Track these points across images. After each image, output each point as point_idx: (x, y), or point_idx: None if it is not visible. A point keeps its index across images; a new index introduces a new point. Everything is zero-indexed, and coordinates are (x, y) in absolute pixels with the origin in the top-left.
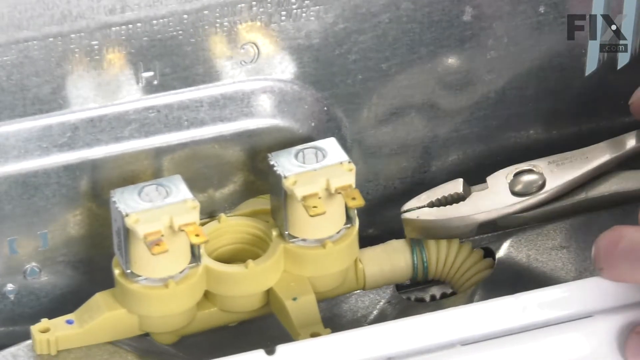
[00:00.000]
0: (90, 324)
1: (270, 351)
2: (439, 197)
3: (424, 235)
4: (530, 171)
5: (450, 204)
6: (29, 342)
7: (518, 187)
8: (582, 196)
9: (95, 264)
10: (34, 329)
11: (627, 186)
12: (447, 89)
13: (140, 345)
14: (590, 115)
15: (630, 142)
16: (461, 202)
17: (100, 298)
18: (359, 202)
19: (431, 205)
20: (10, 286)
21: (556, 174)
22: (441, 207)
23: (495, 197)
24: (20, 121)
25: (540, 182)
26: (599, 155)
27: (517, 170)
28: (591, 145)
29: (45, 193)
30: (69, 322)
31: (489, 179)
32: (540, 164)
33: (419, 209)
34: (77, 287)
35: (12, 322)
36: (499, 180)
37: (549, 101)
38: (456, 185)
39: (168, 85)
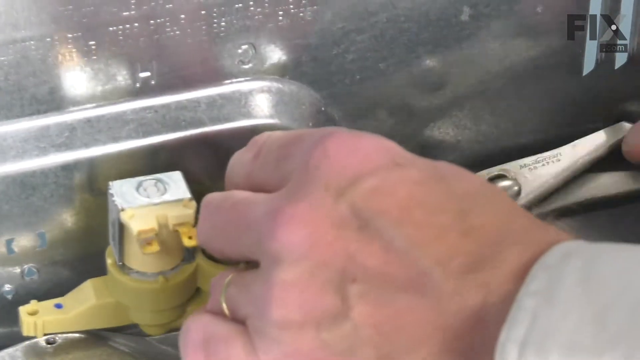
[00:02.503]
0: (78, 310)
1: None
2: None
3: None
4: (503, 177)
5: None
6: (27, 342)
7: None
8: (558, 204)
9: (93, 264)
10: (22, 310)
11: (602, 191)
12: (444, 89)
13: (138, 347)
14: (588, 115)
15: (601, 141)
16: None
17: (91, 285)
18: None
19: None
20: (7, 286)
21: (530, 180)
22: None
23: None
24: (17, 121)
25: (515, 189)
26: (571, 158)
27: (489, 175)
28: (562, 147)
29: (43, 193)
30: (58, 306)
31: None
32: (512, 169)
33: None
34: (74, 287)
35: (10, 323)
36: None
37: (546, 101)
38: None
39: (165, 86)
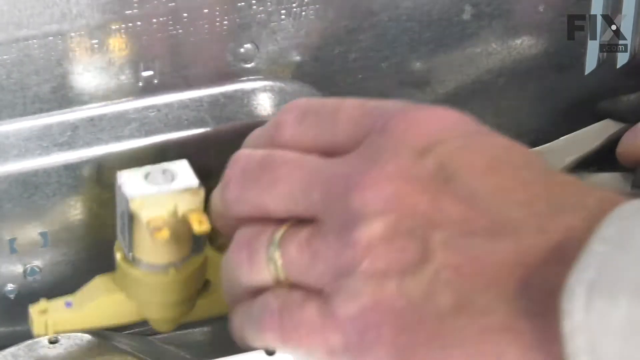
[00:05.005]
0: (88, 306)
1: (270, 352)
2: None
3: None
4: None
5: None
6: (29, 342)
7: None
8: None
9: (96, 263)
10: (33, 309)
11: None
12: (446, 88)
13: (140, 346)
14: (589, 115)
15: (588, 139)
16: None
17: (99, 281)
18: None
19: None
20: (10, 286)
21: None
22: None
23: None
24: (20, 120)
25: None
26: (557, 157)
27: None
28: (549, 144)
29: (45, 192)
30: (68, 304)
31: None
32: None
33: None
34: (77, 287)
35: (12, 322)
36: None
37: (548, 100)
38: None
39: (168, 85)
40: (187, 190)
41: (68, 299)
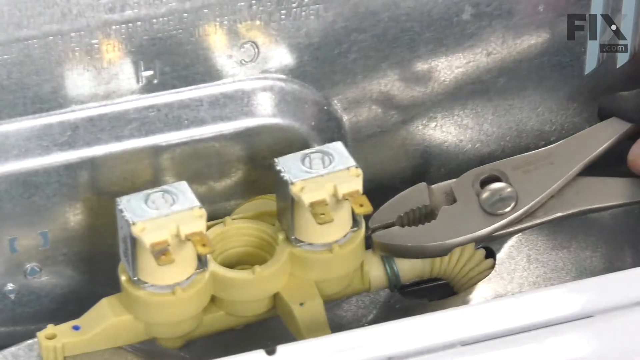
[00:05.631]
0: (96, 330)
1: (270, 351)
2: (407, 211)
3: (395, 255)
4: (496, 179)
5: (420, 220)
6: (29, 341)
7: (490, 207)
8: (555, 214)
9: (96, 263)
10: (40, 335)
11: (602, 201)
12: (446, 88)
13: (141, 346)
14: (590, 115)
15: (595, 140)
16: (433, 222)
17: (106, 303)
18: (367, 208)
19: (400, 222)
20: (10, 286)
21: (525, 186)
22: (412, 228)
23: (466, 219)
24: (20, 120)
25: (508, 191)
26: (565, 161)
27: (483, 177)
28: (554, 145)
29: (45, 192)
30: (75, 328)
31: (454, 186)
32: (505, 170)
33: (388, 227)
34: (77, 287)
35: (13, 322)
36: (467, 192)
37: (548, 100)
38: (421, 194)
39: (168, 84)
40: (188, 211)
41: (75, 323)
